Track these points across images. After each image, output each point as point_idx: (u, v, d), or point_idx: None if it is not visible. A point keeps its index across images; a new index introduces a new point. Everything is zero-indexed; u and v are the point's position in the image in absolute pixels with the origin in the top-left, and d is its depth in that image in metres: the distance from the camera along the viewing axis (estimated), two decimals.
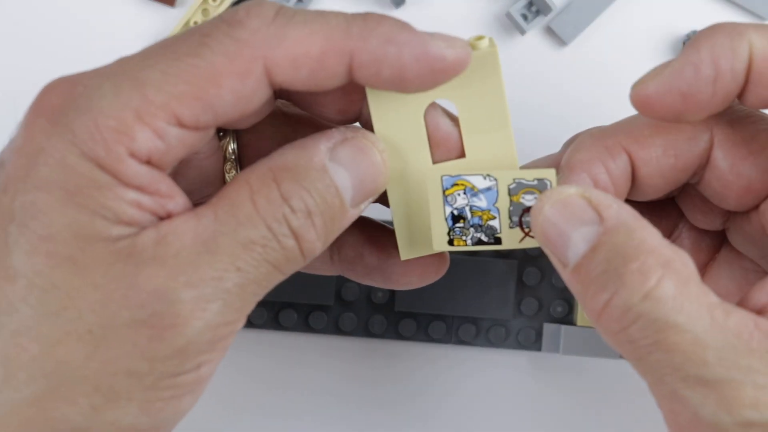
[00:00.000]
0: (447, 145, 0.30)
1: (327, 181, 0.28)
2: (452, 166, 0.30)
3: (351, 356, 0.42)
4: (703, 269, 0.34)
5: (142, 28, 0.43)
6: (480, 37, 0.29)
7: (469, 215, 0.30)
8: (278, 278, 0.27)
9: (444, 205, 0.30)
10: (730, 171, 0.29)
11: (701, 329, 0.25)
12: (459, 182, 0.30)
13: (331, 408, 0.42)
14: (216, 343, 0.26)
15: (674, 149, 0.29)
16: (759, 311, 0.26)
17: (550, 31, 0.44)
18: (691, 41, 0.27)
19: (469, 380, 0.42)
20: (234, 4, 0.43)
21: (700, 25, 0.44)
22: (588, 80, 0.44)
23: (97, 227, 0.25)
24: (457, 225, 0.30)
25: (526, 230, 0.30)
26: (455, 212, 0.30)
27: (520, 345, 0.41)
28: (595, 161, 0.29)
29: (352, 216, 0.29)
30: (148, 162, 0.26)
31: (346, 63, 0.27)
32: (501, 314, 0.41)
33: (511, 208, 0.30)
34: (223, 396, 0.42)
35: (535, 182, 0.29)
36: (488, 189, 0.30)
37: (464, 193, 0.30)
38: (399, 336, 0.41)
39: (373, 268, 0.33)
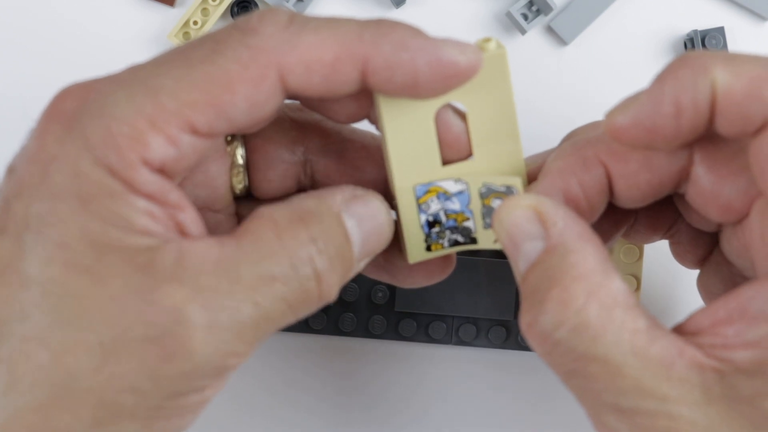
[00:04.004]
0: (457, 145, 0.30)
1: (344, 231, 0.28)
2: (459, 168, 0.30)
3: (351, 356, 0.42)
4: (702, 263, 0.34)
5: (142, 28, 0.43)
6: (487, 39, 0.29)
7: (443, 219, 0.31)
8: (290, 319, 0.27)
9: (419, 213, 0.30)
10: (710, 189, 0.28)
11: (620, 358, 0.25)
12: (432, 189, 0.30)
13: (331, 408, 0.42)
14: (222, 371, 0.26)
15: (651, 165, 0.29)
16: (693, 333, 0.26)
17: (550, 31, 0.44)
18: (658, 74, 0.27)
19: (469, 381, 0.42)
20: (234, 5, 0.43)
21: (700, 25, 0.44)
22: (588, 80, 0.44)
23: (112, 236, 0.25)
24: (434, 230, 0.31)
25: None
26: (430, 218, 0.30)
27: (521, 345, 0.41)
28: (570, 172, 0.29)
29: (355, 270, 0.29)
30: (161, 170, 0.26)
31: (360, 69, 0.27)
32: (501, 314, 0.41)
33: (484, 210, 0.30)
34: (222, 396, 0.42)
35: (503, 188, 0.30)
36: (460, 192, 0.30)
37: (437, 199, 0.30)
38: (399, 336, 0.41)
39: (379, 266, 0.33)
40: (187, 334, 0.25)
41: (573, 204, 0.29)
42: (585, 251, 0.27)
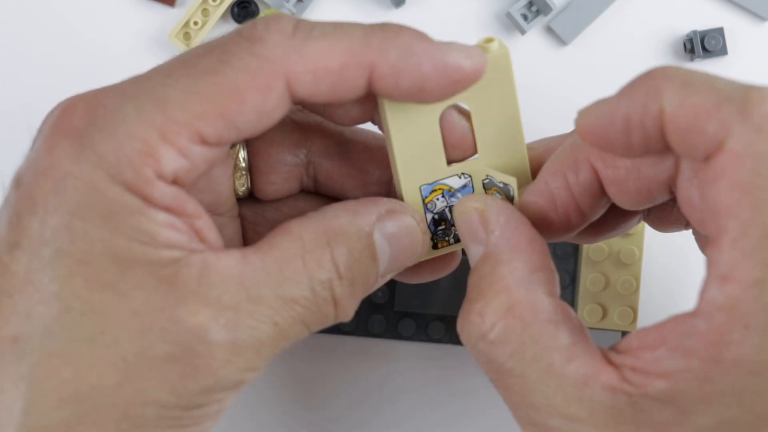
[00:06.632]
0: (462, 145, 0.30)
1: (372, 252, 0.28)
2: (463, 167, 0.31)
3: (350, 356, 0.42)
4: None
5: (142, 28, 0.43)
6: (489, 39, 0.29)
7: (449, 216, 0.31)
8: (305, 335, 0.28)
9: (425, 212, 0.31)
10: (689, 200, 0.28)
11: (535, 375, 0.26)
12: (437, 187, 0.30)
13: (330, 407, 0.42)
14: (239, 384, 0.27)
15: (639, 172, 0.29)
16: (622, 352, 0.26)
17: (550, 31, 0.44)
18: (624, 85, 0.27)
19: (468, 380, 0.42)
20: (234, 5, 0.43)
21: (699, 25, 0.44)
22: (588, 80, 0.44)
23: (136, 252, 0.25)
24: (439, 228, 0.31)
25: None
26: (436, 217, 0.31)
27: None
28: (560, 174, 0.29)
29: (378, 285, 0.29)
30: (174, 182, 0.26)
31: (366, 75, 0.27)
32: None
33: None
34: None
35: (501, 185, 0.30)
36: (464, 186, 0.31)
37: (442, 197, 0.31)
38: (398, 336, 0.41)
39: None
40: (209, 352, 0.26)
41: (562, 207, 0.29)
42: (514, 263, 0.27)
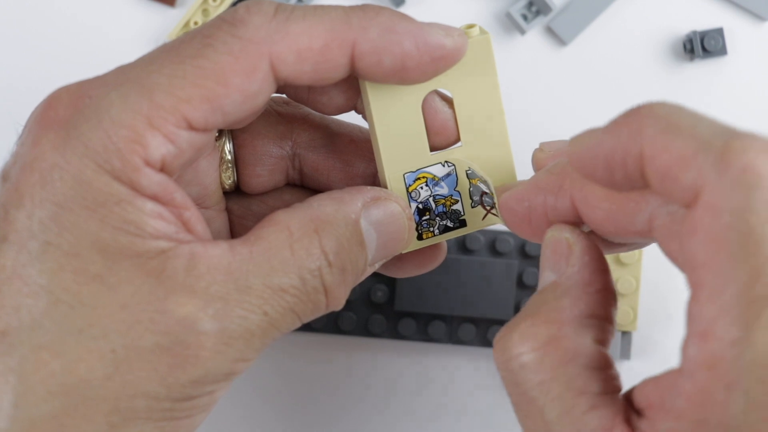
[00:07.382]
0: (445, 132, 0.30)
1: (360, 239, 0.28)
2: (446, 155, 0.31)
3: (350, 356, 0.42)
4: None
5: (143, 28, 0.43)
6: (470, 26, 0.30)
7: (433, 205, 0.31)
8: (297, 325, 0.28)
9: (409, 201, 0.31)
10: (671, 250, 0.26)
11: (555, 412, 0.25)
12: (421, 176, 0.31)
13: (330, 407, 0.42)
14: (230, 376, 0.27)
15: (614, 219, 0.27)
16: (639, 412, 0.25)
17: (550, 31, 0.44)
18: (612, 120, 0.26)
19: (467, 380, 0.42)
20: (234, 5, 0.43)
21: (699, 25, 0.44)
22: (588, 80, 0.44)
23: (123, 242, 0.26)
24: (424, 218, 0.31)
25: (488, 208, 0.31)
26: (420, 206, 0.31)
27: None
28: (541, 192, 0.28)
29: (367, 273, 0.29)
30: (162, 169, 0.26)
31: (349, 54, 0.27)
32: (501, 314, 0.41)
33: (471, 189, 0.31)
34: None
35: (481, 176, 0.30)
36: (448, 175, 0.31)
37: (426, 185, 0.31)
38: (398, 336, 0.41)
39: None
40: (198, 343, 0.26)
41: (536, 222, 0.29)
42: (577, 301, 0.26)
